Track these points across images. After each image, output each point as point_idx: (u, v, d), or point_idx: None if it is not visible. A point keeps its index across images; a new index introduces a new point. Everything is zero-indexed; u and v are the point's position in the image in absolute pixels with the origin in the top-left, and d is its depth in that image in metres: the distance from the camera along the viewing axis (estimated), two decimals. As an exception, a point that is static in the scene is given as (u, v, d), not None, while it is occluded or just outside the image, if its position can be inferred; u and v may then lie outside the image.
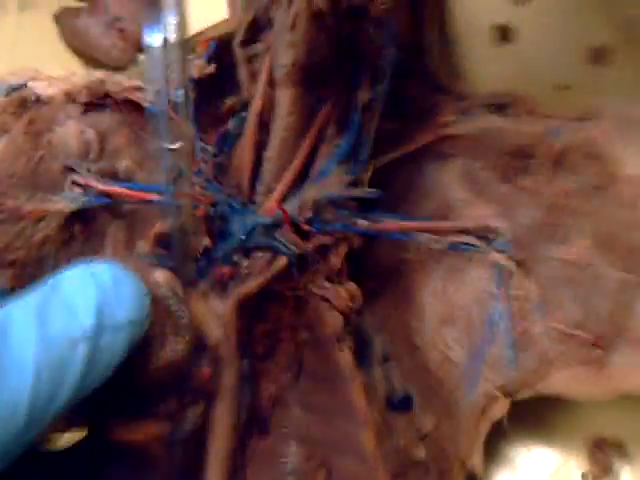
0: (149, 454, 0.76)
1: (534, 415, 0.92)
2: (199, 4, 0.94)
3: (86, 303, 0.61)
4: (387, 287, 0.95)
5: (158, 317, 0.72)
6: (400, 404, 0.90)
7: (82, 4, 1.29)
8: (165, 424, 0.77)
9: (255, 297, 0.85)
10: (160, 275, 0.77)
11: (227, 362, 0.81)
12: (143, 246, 0.87)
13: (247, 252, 0.86)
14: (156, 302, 0.72)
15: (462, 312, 0.89)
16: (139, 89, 0.94)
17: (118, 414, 0.75)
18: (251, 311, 0.85)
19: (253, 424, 0.86)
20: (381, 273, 0.95)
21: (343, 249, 0.88)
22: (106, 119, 0.94)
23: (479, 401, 0.87)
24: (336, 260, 0.87)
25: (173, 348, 0.75)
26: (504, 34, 1.11)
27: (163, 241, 0.84)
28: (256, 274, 0.85)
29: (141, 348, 0.70)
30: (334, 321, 0.85)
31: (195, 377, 0.79)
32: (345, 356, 0.85)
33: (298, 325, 0.88)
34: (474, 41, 1.07)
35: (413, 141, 0.95)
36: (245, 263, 0.86)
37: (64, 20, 1.25)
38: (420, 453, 0.87)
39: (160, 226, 0.83)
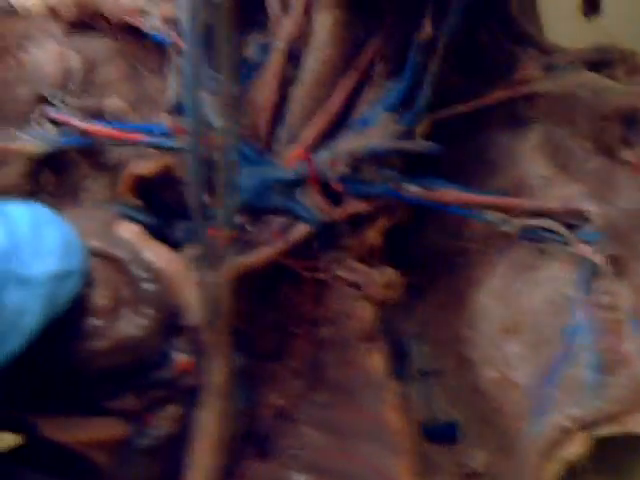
0: (91, 466, 0.57)
1: (618, 460, 0.72)
2: None
3: None
4: (433, 282, 0.77)
5: (109, 282, 0.58)
6: (442, 433, 0.73)
7: None
8: (117, 427, 0.59)
9: (262, 274, 0.67)
10: (126, 229, 0.60)
11: (214, 352, 0.62)
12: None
13: (257, 214, 0.67)
14: (109, 262, 0.58)
15: (530, 320, 0.71)
16: (142, 12, 0.75)
17: (54, 410, 0.58)
18: (255, 292, 0.67)
19: (250, 441, 0.68)
20: (427, 263, 0.77)
21: (383, 222, 0.68)
22: (96, 45, 0.76)
23: (548, 435, 0.67)
24: (373, 235, 0.68)
25: (129, 324, 0.58)
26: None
27: (143, 189, 0.64)
28: (265, 243, 0.66)
29: (81, 321, 0.57)
30: (364, 314, 0.67)
31: (168, 368, 0.61)
32: (376, 361, 0.66)
33: (317, 317, 0.69)
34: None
35: (483, 98, 0.74)
36: (252, 227, 0.67)
37: None
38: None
39: (141, 167, 0.64)
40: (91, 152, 0.73)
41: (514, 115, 0.75)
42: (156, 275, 0.59)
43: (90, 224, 0.60)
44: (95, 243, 0.59)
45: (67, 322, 0.55)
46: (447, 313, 0.74)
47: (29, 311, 0.51)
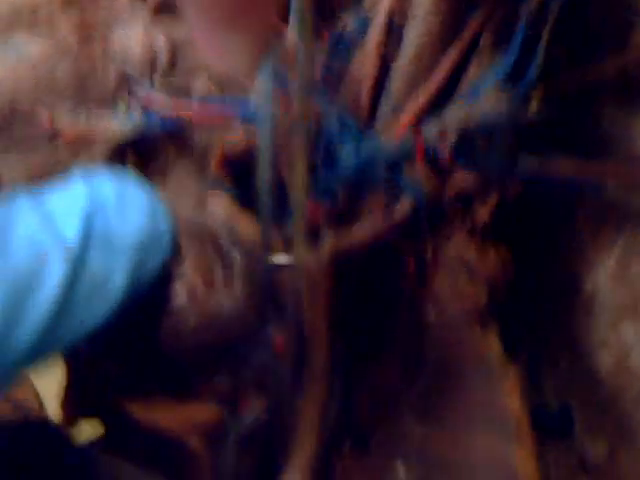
0: (185, 453, 0.53)
1: None
2: None
3: (70, 212, 0.50)
4: (542, 263, 0.71)
5: (200, 254, 0.56)
6: (555, 422, 0.68)
7: None
8: (212, 411, 0.57)
9: (364, 254, 0.63)
10: (217, 203, 0.58)
11: (315, 336, 0.58)
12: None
13: (358, 189, 0.63)
14: (200, 234, 0.57)
15: None
16: None
17: (144, 393, 0.56)
18: (356, 273, 0.63)
19: (349, 433, 0.64)
20: (534, 243, 0.71)
21: (494, 198, 0.63)
22: (181, 28, 0.74)
23: None
24: (483, 212, 0.63)
25: (220, 298, 0.55)
26: None
27: (236, 167, 0.61)
28: (366, 221, 0.62)
29: (170, 295, 0.55)
30: (477, 294, 0.61)
31: (264, 348, 0.58)
32: (491, 343, 0.61)
33: (421, 298, 0.65)
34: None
35: (598, 66, 0.69)
36: (353, 204, 0.63)
37: None
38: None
39: (232, 146, 0.60)
40: (178, 136, 0.71)
41: (629, 86, 0.70)
42: (249, 248, 0.56)
43: (181, 196, 0.58)
44: (186, 214, 0.57)
45: (155, 296, 0.54)
46: (558, 295, 0.70)
47: (114, 276, 0.49)
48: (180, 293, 0.55)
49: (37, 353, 0.47)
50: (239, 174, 0.61)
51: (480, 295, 0.62)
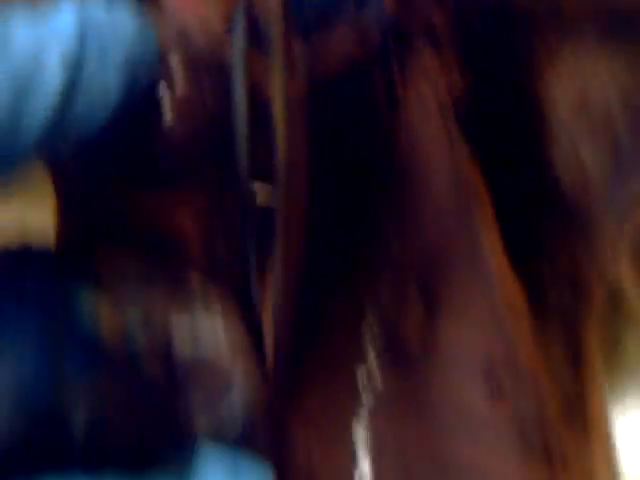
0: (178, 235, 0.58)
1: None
2: None
3: (65, 27, 0.54)
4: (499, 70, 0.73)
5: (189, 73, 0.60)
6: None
7: None
8: (203, 197, 0.61)
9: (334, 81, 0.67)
10: None
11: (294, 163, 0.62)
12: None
13: (327, 21, 0.67)
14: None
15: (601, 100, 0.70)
16: None
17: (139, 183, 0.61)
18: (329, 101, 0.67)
19: None
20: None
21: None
22: None
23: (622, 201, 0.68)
24: (443, 26, 0.67)
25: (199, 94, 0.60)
26: None
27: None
28: (337, 50, 0.67)
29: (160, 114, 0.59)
30: (443, 107, 0.66)
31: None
32: (463, 160, 0.65)
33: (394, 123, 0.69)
34: None
35: None
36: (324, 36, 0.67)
37: None
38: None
39: None
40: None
41: None
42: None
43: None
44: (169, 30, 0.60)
45: (146, 113, 0.59)
46: (518, 116, 0.73)
47: (111, 88, 0.54)
48: (171, 108, 0.59)
49: (40, 148, 0.53)
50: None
51: (447, 111, 0.66)
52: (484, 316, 0.62)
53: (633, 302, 0.66)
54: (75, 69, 0.52)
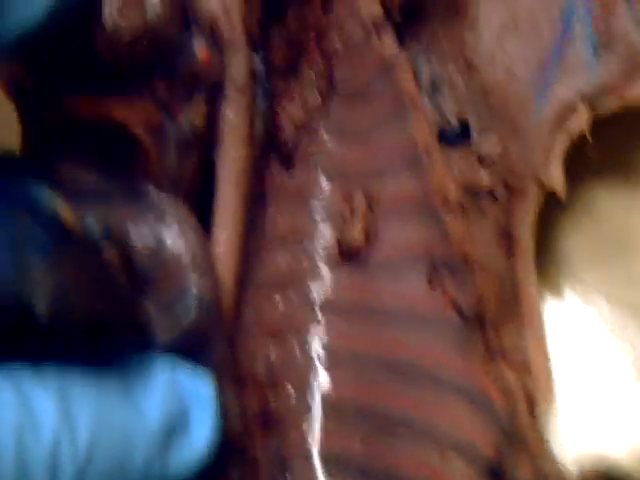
0: (134, 139, 0.60)
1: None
2: None
3: None
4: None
5: None
6: (456, 137, 0.75)
7: None
8: (152, 109, 0.62)
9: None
10: None
11: (233, 47, 0.64)
12: None
13: None
14: None
15: (527, 12, 0.73)
16: None
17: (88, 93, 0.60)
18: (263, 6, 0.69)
19: (273, 152, 0.71)
20: None
21: None
22: None
23: (553, 109, 0.72)
24: None
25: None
26: None
27: None
28: None
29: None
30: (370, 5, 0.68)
31: (190, 58, 0.63)
32: (388, 45, 0.67)
33: (325, 25, 0.71)
34: None
35: None
36: None
37: None
38: (483, 179, 0.70)
39: None
40: None
41: None
42: None
43: None
44: None
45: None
46: (448, 25, 0.76)
47: None
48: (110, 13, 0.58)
49: None
50: None
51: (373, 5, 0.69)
52: (421, 211, 0.66)
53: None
54: None
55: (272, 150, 0.71)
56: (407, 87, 0.68)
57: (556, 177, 0.69)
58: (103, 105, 0.60)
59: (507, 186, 0.70)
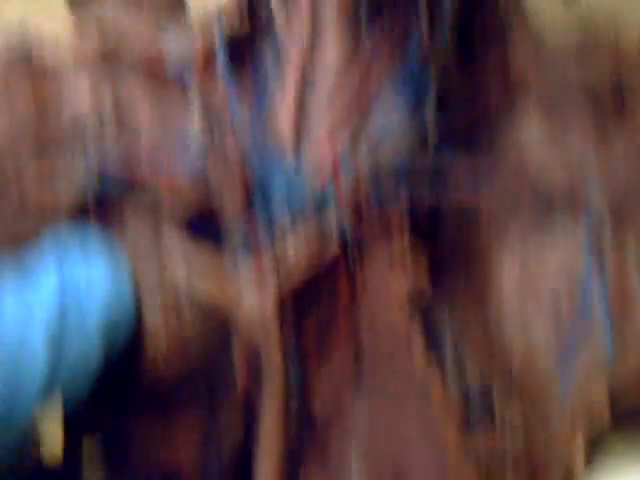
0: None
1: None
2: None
3: (46, 299, 0.57)
4: (455, 259, 0.81)
5: (164, 313, 0.63)
6: (477, 398, 0.76)
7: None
8: (195, 435, 0.66)
9: (302, 287, 0.72)
10: (175, 259, 0.65)
11: (272, 369, 0.68)
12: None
13: (291, 224, 0.72)
14: (162, 293, 0.63)
15: (546, 284, 0.77)
16: (163, 48, 0.81)
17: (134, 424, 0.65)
18: (298, 303, 0.72)
19: (307, 431, 0.73)
20: (447, 243, 0.80)
21: (407, 223, 0.74)
22: (124, 84, 0.80)
23: (575, 390, 0.74)
24: (399, 236, 0.73)
25: (186, 347, 0.64)
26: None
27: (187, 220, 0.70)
28: (303, 259, 0.71)
29: (141, 351, 0.63)
30: (400, 302, 0.72)
31: (227, 376, 0.68)
32: (415, 336, 0.71)
33: (356, 313, 0.74)
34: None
35: (482, 89, 0.80)
36: (289, 240, 0.72)
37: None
38: (505, 450, 0.72)
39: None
40: (129, 192, 0.77)
41: (512, 101, 0.80)
42: (208, 301, 0.65)
43: (141, 259, 0.65)
44: (147, 278, 0.64)
45: (127, 351, 0.62)
46: (470, 285, 0.79)
47: (92, 357, 0.57)
48: (150, 342, 0.63)
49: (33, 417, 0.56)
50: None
51: (403, 302, 0.72)
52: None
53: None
54: (58, 347, 0.55)
55: (307, 428, 0.73)
56: (435, 388, 0.71)
57: (577, 465, 0.71)
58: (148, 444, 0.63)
59: (527, 461, 0.73)
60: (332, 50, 0.74)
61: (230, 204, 0.70)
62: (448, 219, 0.79)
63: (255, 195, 0.71)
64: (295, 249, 0.71)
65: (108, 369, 0.59)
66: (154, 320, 0.63)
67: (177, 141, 0.79)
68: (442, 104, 0.76)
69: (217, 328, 0.64)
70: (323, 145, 0.73)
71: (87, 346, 0.57)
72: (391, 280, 0.73)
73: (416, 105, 0.75)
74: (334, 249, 0.72)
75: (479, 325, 0.78)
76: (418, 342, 0.71)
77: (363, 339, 0.74)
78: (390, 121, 0.74)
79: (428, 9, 0.74)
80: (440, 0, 0.74)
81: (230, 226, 0.70)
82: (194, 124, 0.78)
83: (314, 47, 0.75)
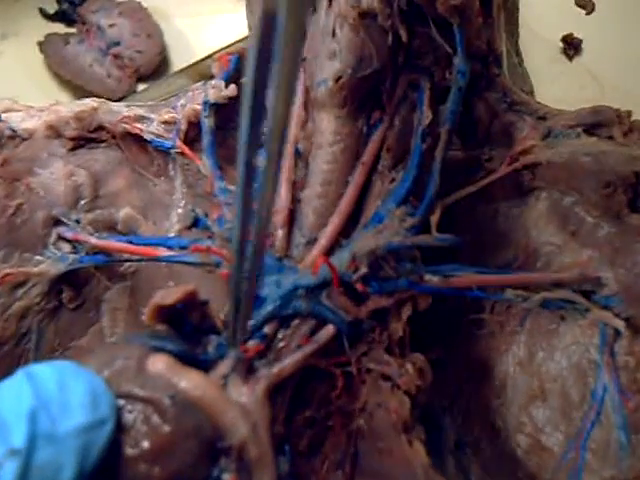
0: None
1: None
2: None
3: (16, 413, 0.51)
4: (456, 355, 0.78)
5: (145, 424, 0.57)
6: None
7: (71, 30, 1.14)
8: None
9: (292, 378, 0.67)
10: (157, 362, 0.59)
11: (259, 466, 0.62)
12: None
13: (283, 321, 0.66)
14: (143, 404, 0.58)
15: (556, 385, 0.72)
16: (141, 119, 0.76)
17: None
18: (288, 395, 0.67)
19: None
20: (447, 337, 0.77)
21: (406, 312, 0.68)
22: (100, 157, 0.78)
23: None
24: (398, 326, 0.68)
25: (172, 461, 0.57)
26: (572, 45, 0.95)
27: (170, 313, 0.64)
28: (293, 349, 0.66)
29: (119, 466, 0.56)
30: (400, 406, 0.66)
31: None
32: (418, 452, 0.65)
33: (351, 410, 0.69)
34: (541, 54, 0.89)
35: (486, 173, 0.75)
36: (280, 335, 0.66)
37: (50, 48, 1.11)
38: None
39: (166, 297, 0.63)
40: (107, 266, 0.75)
41: (519, 186, 0.76)
42: (194, 405, 0.60)
43: (119, 365, 0.60)
44: (126, 386, 0.58)
45: (105, 469, 0.55)
46: (473, 383, 0.75)
47: (64, 466, 0.51)
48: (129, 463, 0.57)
49: None
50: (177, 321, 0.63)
51: (404, 406, 0.66)
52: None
53: None
54: (26, 469, 0.50)
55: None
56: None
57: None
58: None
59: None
60: (327, 137, 0.69)
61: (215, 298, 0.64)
62: (447, 310, 0.75)
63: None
64: (286, 339, 0.67)
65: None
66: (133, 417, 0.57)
67: (159, 206, 0.78)
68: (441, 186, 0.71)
69: (201, 426, 0.59)
70: (318, 243, 0.68)
71: (59, 463, 0.51)
72: (390, 373, 0.68)
73: (416, 189, 0.70)
74: (328, 337, 0.66)
75: (483, 418, 0.74)
76: (418, 444, 0.66)
77: (358, 439, 0.69)
78: (387, 207, 0.69)
79: (432, 99, 0.70)
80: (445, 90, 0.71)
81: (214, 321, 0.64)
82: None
83: (308, 133, 0.71)
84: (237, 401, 0.61)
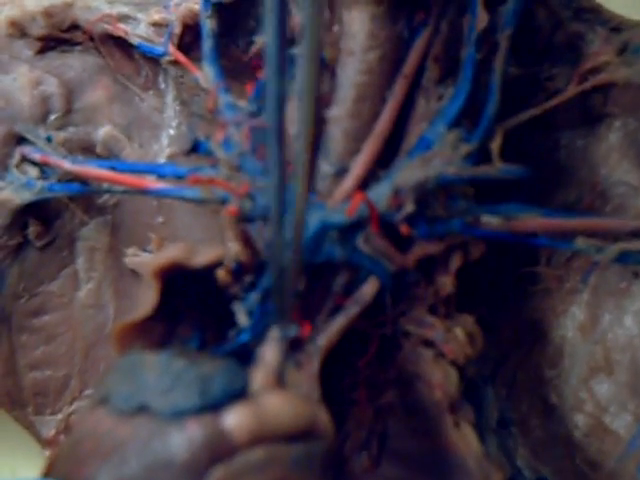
0: None
1: None
2: None
3: None
4: (502, 315, 0.65)
5: None
6: None
7: None
8: None
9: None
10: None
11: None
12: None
13: (315, 273, 0.55)
14: None
15: (625, 357, 0.61)
16: (125, 19, 0.64)
17: None
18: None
19: None
20: (491, 293, 0.65)
21: (456, 262, 0.56)
22: (75, 63, 0.67)
23: None
24: (446, 280, 0.56)
25: None
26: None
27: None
28: (332, 311, 0.55)
29: None
30: (446, 379, 0.55)
31: None
32: (467, 437, 0.54)
33: (380, 381, 0.58)
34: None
35: (546, 95, 0.62)
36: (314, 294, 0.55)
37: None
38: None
39: (185, 253, 0.52)
40: (84, 197, 0.63)
41: (586, 111, 0.63)
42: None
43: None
44: None
45: None
46: (524, 351, 0.64)
47: None
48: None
49: None
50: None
51: (452, 380, 0.55)
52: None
53: None
54: None
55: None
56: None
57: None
58: None
59: None
60: (360, 42, 0.56)
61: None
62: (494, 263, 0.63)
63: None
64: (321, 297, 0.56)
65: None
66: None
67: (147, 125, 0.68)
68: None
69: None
70: (350, 173, 0.56)
71: None
72: (433, 338, 0.57)
73: (470, 109, 0.57)
74: (371, 294, 0.55)
75: (533, 395, 0.64)
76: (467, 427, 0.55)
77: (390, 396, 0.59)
78: (435, 129, 0.56)
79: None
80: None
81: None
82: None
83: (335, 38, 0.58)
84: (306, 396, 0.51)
